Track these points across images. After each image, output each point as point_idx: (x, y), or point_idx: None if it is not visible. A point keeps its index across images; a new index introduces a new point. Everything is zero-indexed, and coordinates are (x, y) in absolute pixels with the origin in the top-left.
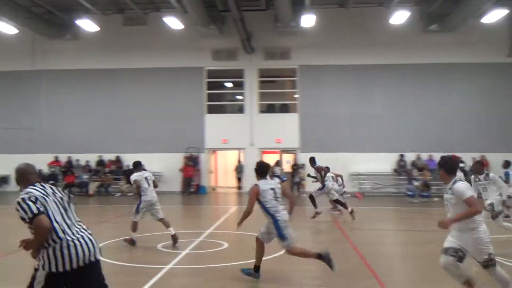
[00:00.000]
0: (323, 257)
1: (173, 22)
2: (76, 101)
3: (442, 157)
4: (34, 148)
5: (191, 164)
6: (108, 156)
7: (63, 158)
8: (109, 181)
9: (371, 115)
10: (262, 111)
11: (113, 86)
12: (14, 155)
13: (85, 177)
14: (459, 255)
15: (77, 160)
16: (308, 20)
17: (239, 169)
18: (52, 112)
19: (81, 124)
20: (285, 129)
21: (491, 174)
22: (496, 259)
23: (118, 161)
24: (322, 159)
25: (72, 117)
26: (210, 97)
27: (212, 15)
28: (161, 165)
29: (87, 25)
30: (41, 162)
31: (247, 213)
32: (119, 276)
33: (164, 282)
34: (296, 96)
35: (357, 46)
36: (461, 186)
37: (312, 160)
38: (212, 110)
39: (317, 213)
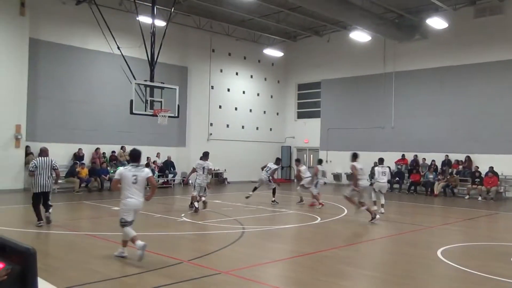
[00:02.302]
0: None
1: None
2: (422, 100)
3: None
4: (385, 146)
5: None
6: (455, 156)
7: (409, 156)
8: (455, 182)
9: None
10: None
11: (460, 83)
12: (371, 153)
13: (431, 176)
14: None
15: (424, 159)
16: None
17: None
18: (401, 112)
19: (427, 122)
20: None
21: None
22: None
23: (468, 161)
24: None
25: (418, 116)
26: None
27: None
28: None
29: (436, 23)
30: (390, 159)
31: None
32: (463, 284)
33: None
34: None
35: None
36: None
37: None
38: None
39: None
